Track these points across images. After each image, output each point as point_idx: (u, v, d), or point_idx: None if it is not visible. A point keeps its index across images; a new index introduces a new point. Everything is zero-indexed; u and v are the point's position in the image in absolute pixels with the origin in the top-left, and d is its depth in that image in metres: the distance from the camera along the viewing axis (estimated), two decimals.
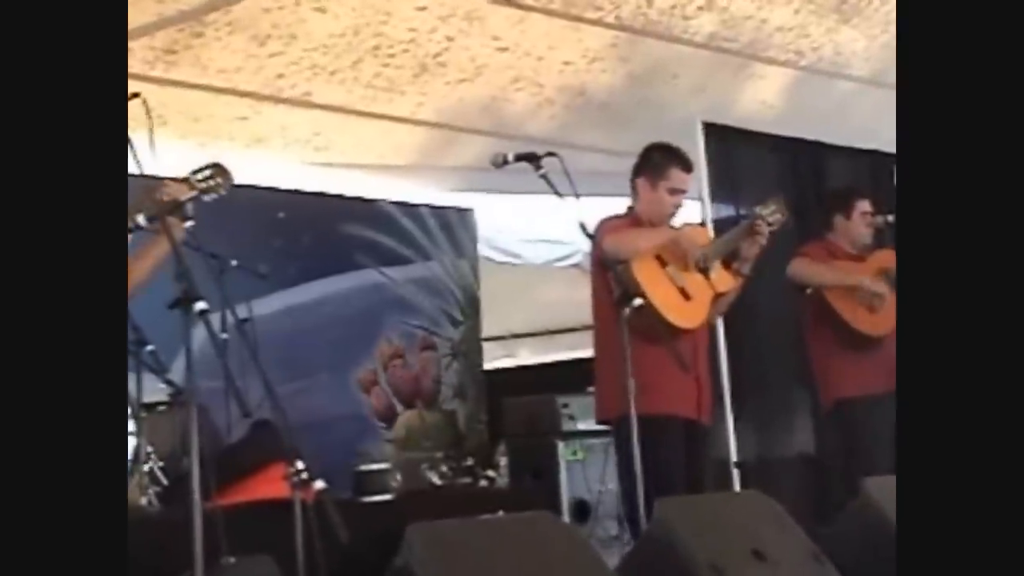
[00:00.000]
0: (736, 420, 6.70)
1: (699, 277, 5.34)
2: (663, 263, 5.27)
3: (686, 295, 5.28)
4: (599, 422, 5.50)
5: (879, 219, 6.33)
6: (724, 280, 5.43)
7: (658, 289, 5.17)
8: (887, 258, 6.30)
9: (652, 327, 5.08)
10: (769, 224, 5.39)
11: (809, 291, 6.19)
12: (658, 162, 5.39)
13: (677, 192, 5.41)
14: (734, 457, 6.67)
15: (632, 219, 5.43)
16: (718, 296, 5.42)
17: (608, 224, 5.30)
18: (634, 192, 5.45)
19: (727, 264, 5.49)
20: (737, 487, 6.57)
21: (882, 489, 4.68)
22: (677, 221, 5.50)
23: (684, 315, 5.25)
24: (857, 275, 6.15)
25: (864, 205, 6.32)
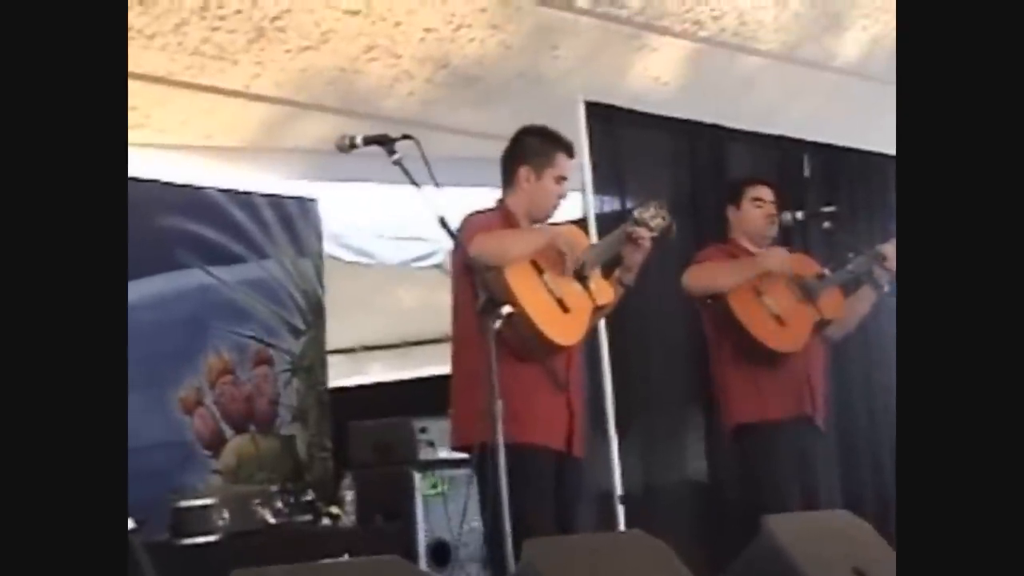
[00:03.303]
0: (621, 447, 6.70)
1: (577, 287, 5.39)
2: (539, 269, 5.31)
3: (564, 307, 5.33)
4: (455, 449, 5.52)
5: (787, 215, 6.43)
6: (604, 291, 5.50)
7: (534, 299, 5.21)
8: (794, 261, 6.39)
9: (523, 342, 5.16)
10: (650, 229, 5.45)
11: (710, 301, 6.27)
12: (541, 148, 5.48)
13: (563, 180, 5.50)
14: (618, 490, 6.69)
15: (503, 214, 5.48)
16: (597, 309, 5.50)
17: (476, 223, 5.32)
18: (511, 184, 5.51)
19: (607, 272, 5.56)
20: (622, 524, 6.58)
21: (786, 528, 4.72)
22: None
23: (563, 330, 5.30)
24: (760, 265, 6.24)
25: (757, 191, 6.45)
